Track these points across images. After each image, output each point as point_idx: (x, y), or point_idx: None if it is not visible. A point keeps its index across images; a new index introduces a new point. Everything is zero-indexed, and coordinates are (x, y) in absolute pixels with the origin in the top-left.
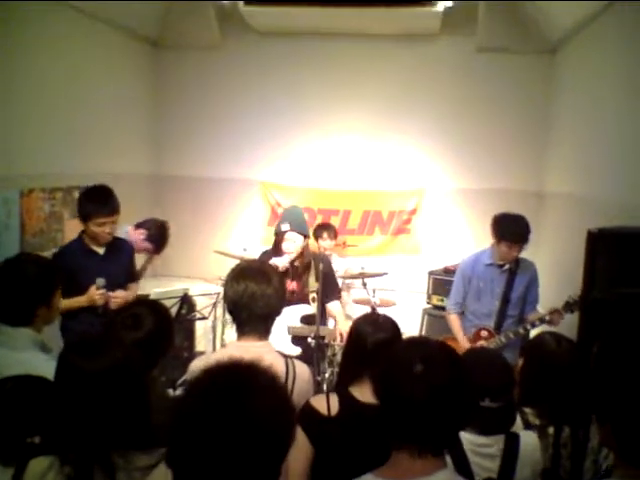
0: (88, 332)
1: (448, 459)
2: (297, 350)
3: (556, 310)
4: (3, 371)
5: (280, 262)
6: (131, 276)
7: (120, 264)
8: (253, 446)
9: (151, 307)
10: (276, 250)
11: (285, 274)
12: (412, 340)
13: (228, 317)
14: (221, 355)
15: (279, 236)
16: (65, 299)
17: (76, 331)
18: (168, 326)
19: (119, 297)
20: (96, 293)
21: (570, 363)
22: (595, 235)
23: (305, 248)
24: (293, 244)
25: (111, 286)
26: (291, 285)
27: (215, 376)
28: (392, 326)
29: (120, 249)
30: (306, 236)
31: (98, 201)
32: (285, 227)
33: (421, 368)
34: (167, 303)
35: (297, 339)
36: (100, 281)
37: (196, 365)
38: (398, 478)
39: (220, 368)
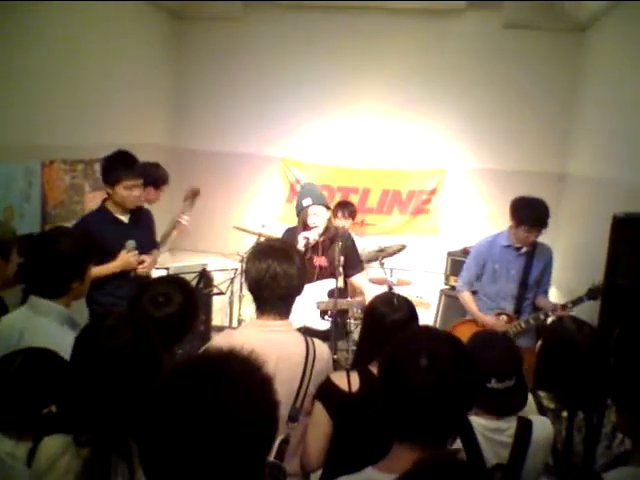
0: (112, 307)
1: (459, 444)
2: (326, 325)
3: (579, 298)
4: (33, 337)
5: (311, 235)
6: (154, 243)
7: (145, 231)
8: (224, 442)
9: (178, 284)
10: (304, 226)
11: (314, 249)
12: (418, 332)
13: (245, 292)
14: (241, 334)
15: (303, 212)
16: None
17: (102, 303)
18: (195, 302)
19: (147, 261)
20: (129, 255)
21: (590, 348)
22: (621, 220)
23: (329, 221)
24: (318, 218)
25: (139, 253)
26: (320, 260)
27: (186, 370)
28: (408, 306)
29: (143, 216)
30: (328, 207)
31: (125, 164)
32: (307, 202)
33: (426, 362)
34: (186, 277)
35: (326, 314)
36: (130, 243)
37: (216, 341)
38: (399, 472)
39: (193, 361)
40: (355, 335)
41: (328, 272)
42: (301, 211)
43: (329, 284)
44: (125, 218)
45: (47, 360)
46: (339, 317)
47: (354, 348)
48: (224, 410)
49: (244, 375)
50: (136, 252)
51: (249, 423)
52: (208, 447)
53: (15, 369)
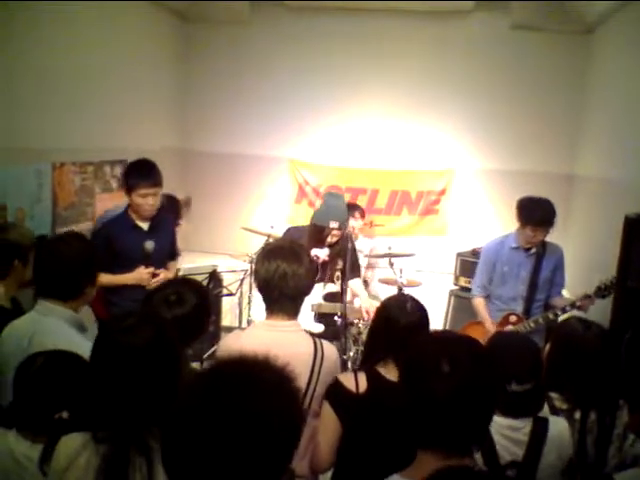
0: (130, 308)
1: None
2: (320, 327)
3: (587, 296)
4: (42, 340)
5: (322, 254)
6: (172, 253)
7: (164, 240)
8: (251, 448)
9: (192, 285)
10: (318, 241)
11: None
12: (437, 337)
13: (255, 293)
14: (249, 334)
15: (325, 230)
16: (109, 274)
17: (121, 306)
18: (208, 304)
19: (160, 276)
20: (145, 272)
21: (598, 348)
22: (633, 221)
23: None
24: (337, 237)
25: (154, 261)
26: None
27: (219, 374)
28: (421, 310)
29: (163, 225)
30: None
31: (141, 173)
32: (334, 225)
33: (448, 368)
34: (196, 278)
35: (320, 316)
36: (149, 244)
37: (226, 341)
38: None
39: (226, 366)
40: (364, 336)
41: (325, 278)
42: (324, 228)
43: (325, 287)
44: (145, 225)
45: (67, 363)
46: (329, 319)
47: (362, 349)
48: (255, 417)
49: (279, 385)
50: (152, 269)
51: (279, 432)
52: (234, 452)
53: (35, 371)
